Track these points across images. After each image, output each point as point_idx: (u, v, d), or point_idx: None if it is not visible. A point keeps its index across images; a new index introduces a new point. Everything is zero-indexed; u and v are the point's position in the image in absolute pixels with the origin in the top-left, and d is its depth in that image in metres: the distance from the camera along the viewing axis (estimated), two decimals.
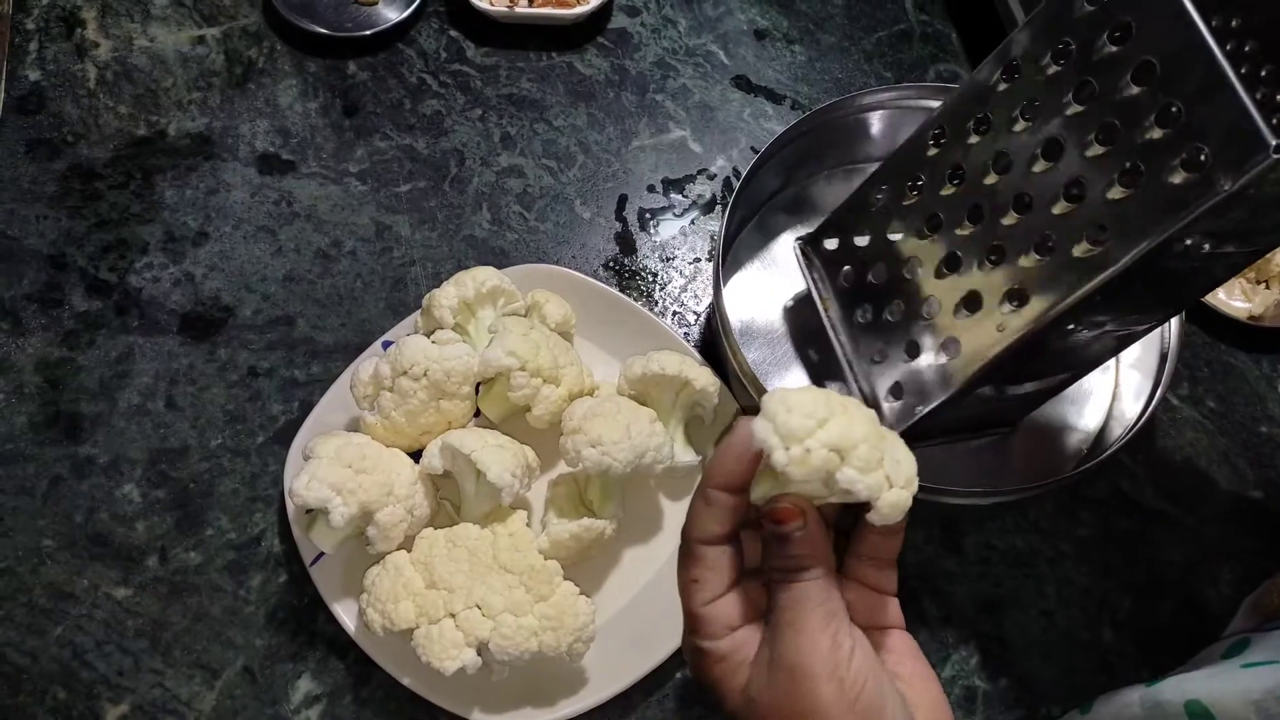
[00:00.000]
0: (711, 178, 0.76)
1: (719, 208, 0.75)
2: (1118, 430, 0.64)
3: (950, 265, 0.54)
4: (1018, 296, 0.50)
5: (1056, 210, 0.48)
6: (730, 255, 0.69)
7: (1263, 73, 0.46)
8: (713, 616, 0.38)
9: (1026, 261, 0.49)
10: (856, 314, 0.61)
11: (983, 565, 0.64)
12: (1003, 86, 0.51)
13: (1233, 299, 0.71)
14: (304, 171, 0.73)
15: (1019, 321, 0.50)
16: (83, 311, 0.67)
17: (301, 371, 0.67)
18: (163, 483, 0.63)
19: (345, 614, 0.58)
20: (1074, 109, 0.47)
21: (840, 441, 0.34)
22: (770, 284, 0.69)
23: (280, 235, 0.71)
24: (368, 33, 0.77)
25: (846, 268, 0.61)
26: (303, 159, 0.73)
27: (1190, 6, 0.42)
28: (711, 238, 0.74)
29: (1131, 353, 0.67)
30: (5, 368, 0.65)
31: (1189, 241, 0.45)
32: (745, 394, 0.61)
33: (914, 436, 0.61)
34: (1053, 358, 0.56)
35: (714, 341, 0.67)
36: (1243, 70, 0.42)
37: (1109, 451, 0.59)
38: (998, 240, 0.51)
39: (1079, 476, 0.58)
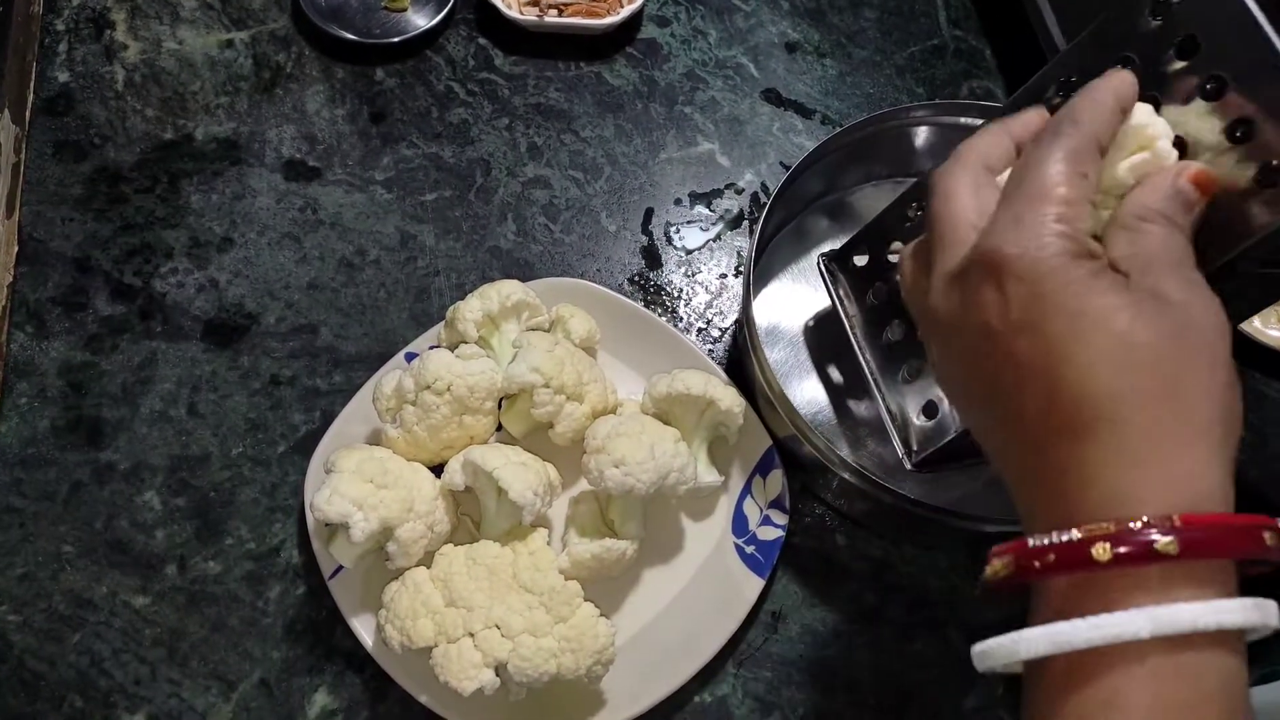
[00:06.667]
0: (739, 192, 0.75)
1: (746, 222, 0.74)
2: None
3: None
4: None
5: None
6: (761, 268, 0.68)
7: None
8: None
9: None
10: (885, 332, 0.59)
11: (1010, 593, 0.63)
12: (1058, 100, 0.48)
13: (1268, 327, 0.69)
14: (330, 179, 0.73)
15: None
16: (107, 316, 0.67)
17: (324, 381, 0.66)
18: (183, 490, 0.63)
19: (363, 629, 0.58)
20: None
21: None
22: (801, 294, 0.68)
23: (305, 242, 0.70)
24: (396, 40, 0.77)
25: (878, 284, 0.60)
26: (329, 166, 0.73)
27: (1264, 21, 0.39)
28: (738, 254, 0.73)
29: None
30: (29, 371, 0.65)
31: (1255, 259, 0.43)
32: (772, 411, 0.61)
33: (954, 457, 0.60)
34: None
35: (739, 359, 0.67)
36: None
37: None
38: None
39: None
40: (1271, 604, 0.32)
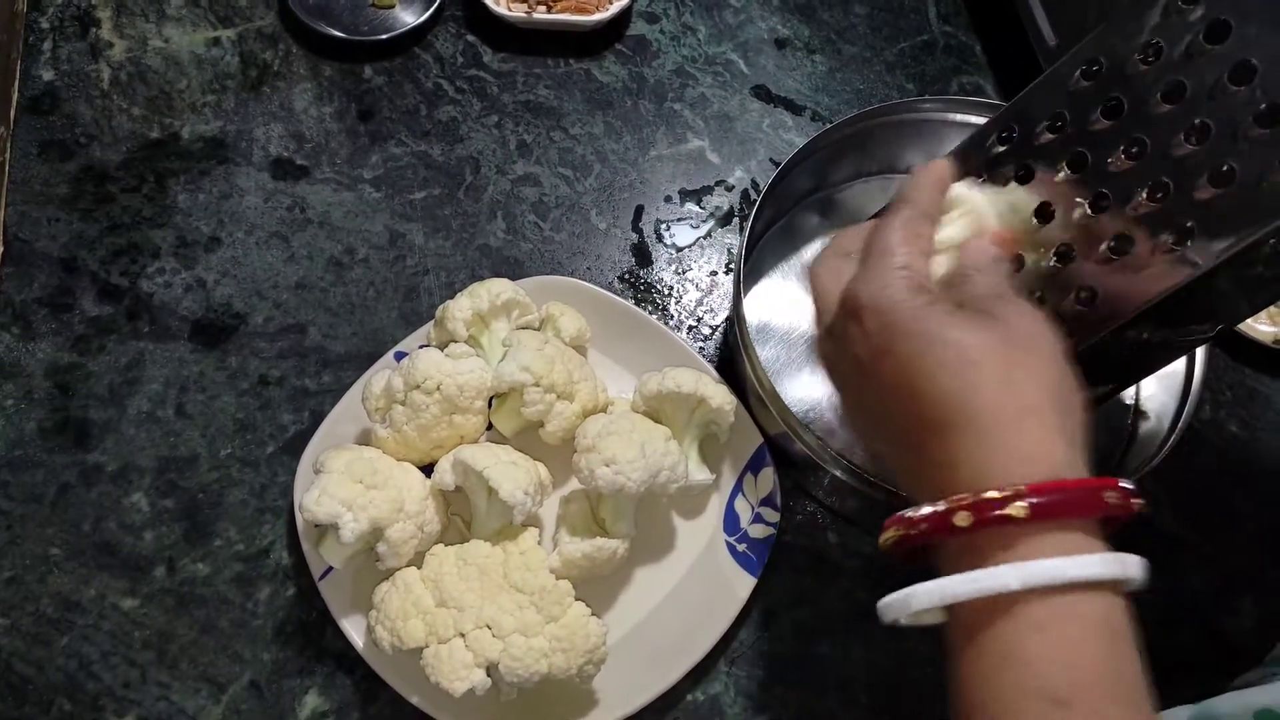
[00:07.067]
0: (729, 189, 0.75)
1: (736, 220, 0.74)
2: (1138, 456, 0.63)
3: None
4: (1087, 295, 0.46)
5: (1136, 210, 0.45)
6: (751, 265, 0.68)
7: None
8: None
9: (1097, 264, 0.46)
10: None
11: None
12: (1084, 85, 0.47)
13: (1259, 323, 0.70)
14: (318, 177, 0.72)
15: (1092, 318, 0.46)
16: (94, 316, 0.66)
17: (313, 381, 0.66)
18: (171, 492, 0.62)
19: (354, 630, 0.57)
20: (1162, 109, 0.44)
21: None
22: (792, 291, 0.68)
23: (293, 242, 0.70)
24: (384, 37, 0.76)
25: None
26: (317, 164, 0.73)
27: None
28: (729, 251, 0.73)
29: (1153, 375, 0.66)
30: (15, 372, 0.64)
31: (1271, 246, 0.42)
32: (763, 409, 0.60)
33: None
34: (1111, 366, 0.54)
35: (730, 357, 0.67)
36: None
37: (1132, 479, 0.57)
38: (1065, 242, 0.48)
39: None
40: (1131, 558, 0.36)
